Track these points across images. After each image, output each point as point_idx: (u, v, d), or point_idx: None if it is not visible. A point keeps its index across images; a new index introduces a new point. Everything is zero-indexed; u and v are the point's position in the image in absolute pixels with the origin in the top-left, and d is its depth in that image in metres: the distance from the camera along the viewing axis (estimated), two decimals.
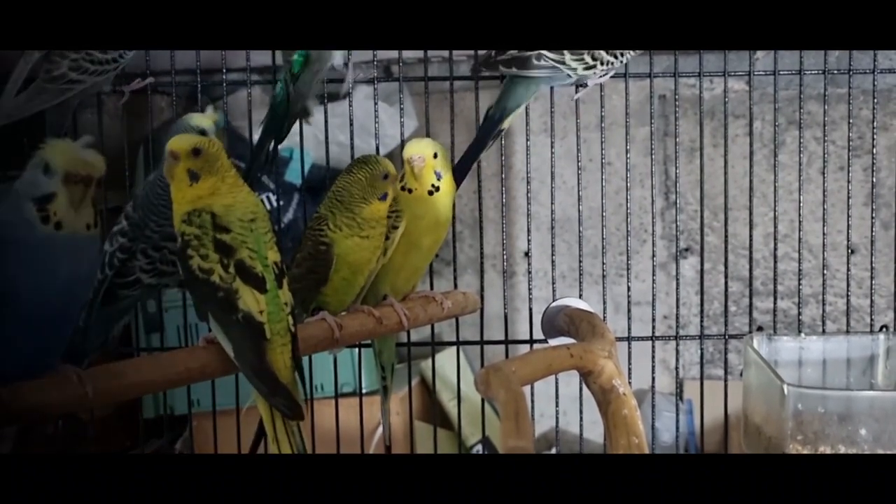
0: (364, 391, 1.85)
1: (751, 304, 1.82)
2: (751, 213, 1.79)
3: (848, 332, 1.83)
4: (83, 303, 1.10)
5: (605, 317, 1.62)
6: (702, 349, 1.85)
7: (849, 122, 1.79)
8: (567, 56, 1.52)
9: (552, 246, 1.78)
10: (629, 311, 1.82)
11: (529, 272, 1.80)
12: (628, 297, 1.81)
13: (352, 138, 1.75)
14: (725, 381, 1.82)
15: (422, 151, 1.39)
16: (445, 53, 1.92)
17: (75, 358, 1.29)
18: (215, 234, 1.12)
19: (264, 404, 1.13)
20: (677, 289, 1.85)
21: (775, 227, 1.80)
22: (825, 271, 1.82)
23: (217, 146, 1.16)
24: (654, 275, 1.82)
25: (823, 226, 1.80)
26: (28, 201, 1.01)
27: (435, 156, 1.40)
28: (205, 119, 1.45)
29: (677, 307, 1.85)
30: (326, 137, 1.76)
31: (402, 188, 1.39)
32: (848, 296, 1.81)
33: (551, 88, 1.74)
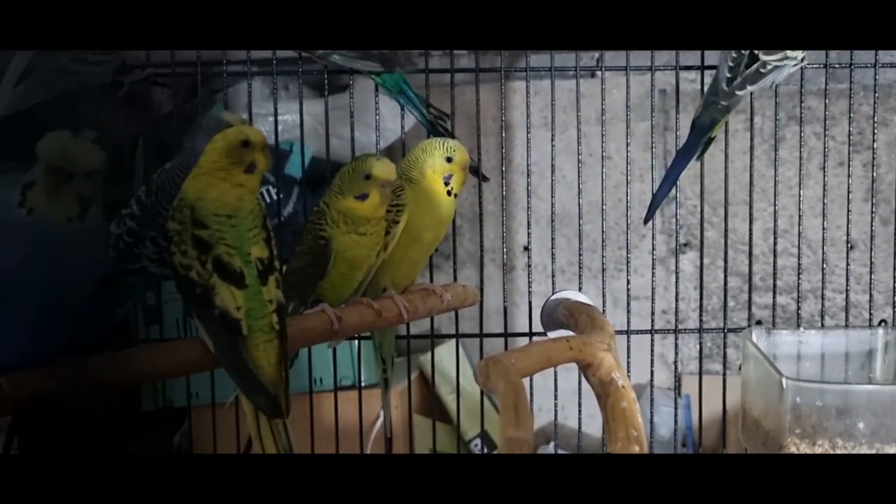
0: (363, 384, 1.85)
1: (750, 299, 1.82)
2: (750, 209, 1.79)
3: (847, 326, 1.83)
4: (80, 293, 1.10)
5: (604, 311, 1.62)
6: (700, 343, 1.85)
7: (849, 118, 1.79)
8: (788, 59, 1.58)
9: (552, 240, 1.78)
10: (628, 305, 1.82)
11: (529, 266, 1.80)
12: (627, 291, 1.81)
13: (352, 131, 1.75)
14: (724, 375, 1.82)
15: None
16: None
17: (74, 347, 1.29)
18: (194, 231, 1.12)
19: (248, 402, 1.12)
20: (676, 283, 1.85)
21: (775, 222, 1.80)
22: (824, 266, 1.82)
23: None
24: (653, 269, 1.82)
25: (823, 221, 1.80)
26: (17, 187, 1.06)
27: None
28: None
29: (676, 302, 1.85)
30: (327, 130, 1.76)
31: (449, 193, 1.39)
32: (847, 291, 1.81)
33: (552, 82, 1.74)
